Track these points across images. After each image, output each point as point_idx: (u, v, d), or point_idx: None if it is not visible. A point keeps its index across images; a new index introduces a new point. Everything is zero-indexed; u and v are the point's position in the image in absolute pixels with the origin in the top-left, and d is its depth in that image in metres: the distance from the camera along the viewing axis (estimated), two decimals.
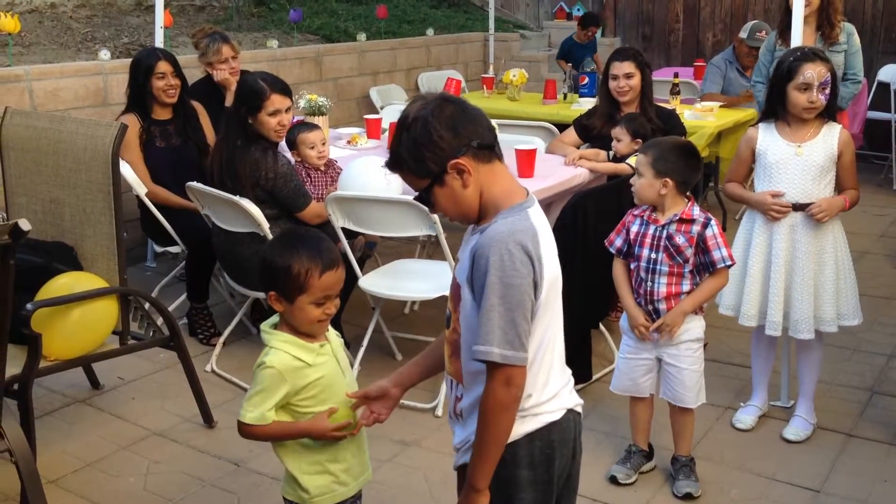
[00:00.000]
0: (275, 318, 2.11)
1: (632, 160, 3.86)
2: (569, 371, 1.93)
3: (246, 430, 2.06)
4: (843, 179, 3.22)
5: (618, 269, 3.05)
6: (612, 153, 4.20)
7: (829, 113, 3.17)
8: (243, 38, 6.91)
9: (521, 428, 1.79)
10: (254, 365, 2.07)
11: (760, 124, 3.28)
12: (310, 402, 2.06)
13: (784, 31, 5.00)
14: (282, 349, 2.03)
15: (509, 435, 1.76)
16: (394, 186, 3.60)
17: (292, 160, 3.99)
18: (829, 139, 3.15)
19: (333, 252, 2.07)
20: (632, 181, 2.97)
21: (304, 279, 1.99)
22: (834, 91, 3.14)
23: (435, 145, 1.73)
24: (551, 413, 1.83)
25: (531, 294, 1.70)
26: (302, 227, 3.61)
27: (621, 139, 4.08)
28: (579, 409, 1.93)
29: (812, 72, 3.08)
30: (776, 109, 3.21)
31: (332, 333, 2.16)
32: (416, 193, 1.83)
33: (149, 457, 3.26)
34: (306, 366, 2.04)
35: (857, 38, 5.00)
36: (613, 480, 3.05)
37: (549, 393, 1.82)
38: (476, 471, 1.77)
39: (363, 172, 3.74)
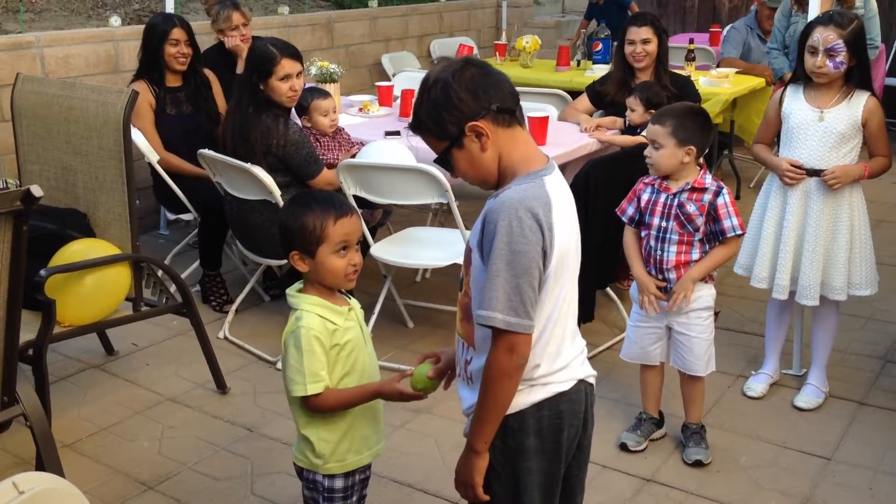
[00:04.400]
0: (299, 284, 2.12)
1: (647, 132, 3.82)
2: (582, 342, 1.92)
3: (314, 403, 2.02)
4: (872, 147, 3.20)
5: (629, 237, 3.04)
6: (626, 122, 4.17)
7: (858, 80, 3.10)
8: (254, 4, 6.87)
9: (529, 397, 1.79)
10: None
11: (789, 86, 3.25)
12: (331, 366, 2.05)
13: None
14: (313, 311, 2.03)
15: (510, 401, 1.76)
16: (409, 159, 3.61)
17: (300, 125, 3.98)
18: (854, 107, 3.10)
19: (345, 202, 2.10)
20: (647, 153, 2.91)
21: (321, 230, 2.01)
22: (861, 58, 3.07)
23: (454, 107, 1.72)
24: (560, 383, 1.82)
25: (539, 262, 1.69)
26: (315, 190, 3.61)
27: (635, 109, 4.03)
28: (592, 380, 1.92)
29: (819, 35, 3.05)
30: (801, 72, 3.18)
31: (355, 302, 2.16)
32: (436, 156, 1.82)
33: (163, 422, 3.30)
34: (337, 328, 2.05)
35: (874, 3, 4.93)
36: (624, 447, 3.07)
37: (559, 363, 1.81)
38: (476, 434, 1.78)
39: (379, 153, 3.75)
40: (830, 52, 3.03)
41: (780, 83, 5.41)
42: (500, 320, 1.68)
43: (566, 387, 1.83)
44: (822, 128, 3.13)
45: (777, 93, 3.31)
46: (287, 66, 3.68)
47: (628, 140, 4.08)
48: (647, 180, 2.98)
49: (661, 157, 2.86)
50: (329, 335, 2.03)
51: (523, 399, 1.79)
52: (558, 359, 1.81)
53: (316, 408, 2.04)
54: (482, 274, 1.72)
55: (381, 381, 2.07)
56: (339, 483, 2.13)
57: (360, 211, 3.58)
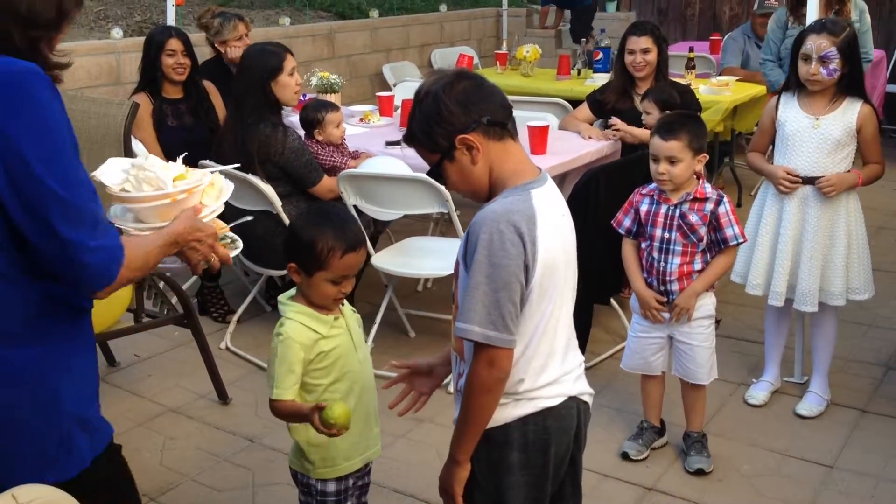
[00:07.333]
0: (292, 291, 2.15)
1: None
2: (579, 358, 1.89)
3: (272, 408, 2.08)
4: (865, 154, 3.21)
5: (627, 249, 3.03)
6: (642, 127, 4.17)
7: (851, 88, 3.12)
8: (255, 15, 6.91)
9: (515, 411, 1.78)
10: (269, 341, 2.09)
11: (783, 95, 3.26)
12: (319, 374, 2.08)
13: (795, 7, 4.93)
14: (296, 319, 2.06)
15: (491, 415, 1.75)
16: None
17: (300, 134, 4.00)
18: (849, 114, 3.12)
19: (359, 234, 2.11)
20: (662, 170, 2.83)
21: (326, 257, 2.02)
22: (853, 66, 3.09)
23: (444, 120, 1.73)
24: (548, 399, 1.80)
25: (520, 276, 1.67)
26: (333, 203, 3.63)
27: (650, 112, 4.03)
28: (587, 399, 1.89)
29: (812, 44, 3.06)
30: (795, 80, 3.19)
31: (348, 308, 2.18)
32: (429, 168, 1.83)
33: (164, 433, 3.30)
34: (320, 337, 2.07)
35: (868, 17, 4.95)
36: (625, 456, 3.06)
37: (545, 379, 1.79)
38: (456, 444, 1.79)
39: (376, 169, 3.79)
40: (824, 60, 3.05)
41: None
42: (479, 333, 1.67)
43: (554, 402, 1.80)
44: (818, 135, 3.14)
45: (771, 101, 3.33)
46: (291, 59, 3.85)
47: (641, 133, 4.08)
48: (644, 191, 2.98)
49: (681, 171, 2.82)
50: (312, 343, 2.06)
51: (508, 413, 1.77)
52: (544, 374, 1.78)
53: (274, 413, 2.08)
54: (466, 286, 1.71)
55: (310, 406, 2.03)
56: (331, 487, 2.17)
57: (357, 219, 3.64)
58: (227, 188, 1.99)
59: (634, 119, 4.29)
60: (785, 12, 5.04)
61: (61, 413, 1.62)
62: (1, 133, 1.44)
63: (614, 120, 4.22)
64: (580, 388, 1.87)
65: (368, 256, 3.71)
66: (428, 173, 1.84)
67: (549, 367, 1.79)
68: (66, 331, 1.62)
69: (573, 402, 1.84)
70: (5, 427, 1.57)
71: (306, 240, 2.04)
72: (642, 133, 4.11)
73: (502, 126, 1.76)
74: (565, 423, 1.83)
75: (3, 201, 1.48)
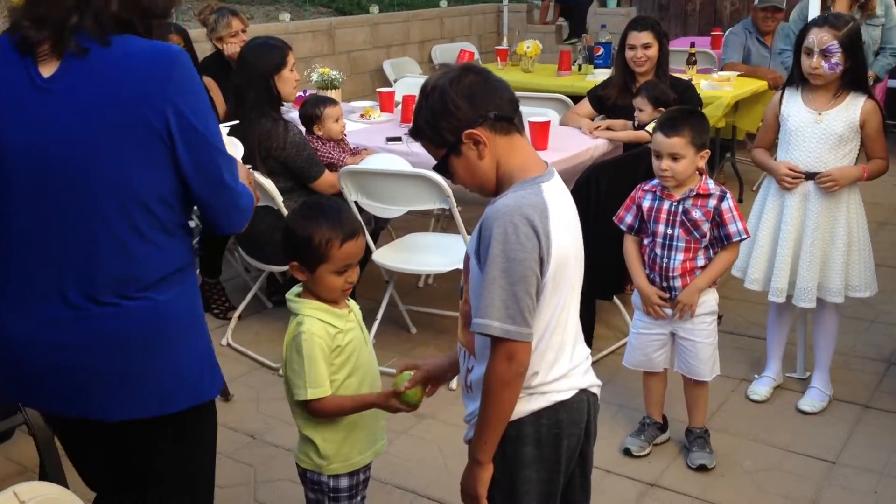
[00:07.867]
0: (298, 288, 2.13)
1: (651, 128, 3.82)
2: (586, 351, 1.89)
3: (315, 408, 2.04)
4: (870, 149, 3.20)
5: (629, 246, 3.02)
6: (635, 123, 4.16)
7: (854, 83, 3.11)
8: (255, 11, 6.89)
9: (528, 406, 1.77)
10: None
11: (787, 89, 3.25)
12: (335, 369, 2.06)
13: None
14: (314, 316, 2.04)
15: (512, 411, 1.74)
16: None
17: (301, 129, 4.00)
18: (852, 109, 3.10)
19: (354, 221, 2.10)
20: (664, 166, 2.82)
21: (325, 249, 2.01)
22: (856, 61, 3.08)
23: (451, 115, 1.71)
24: (560, 392, 1.79)
25: (536, 270, 1.67)
26: (323, 196, 3.63)
27: (643, 109, 4.02)
28: (595, 390, 1.89)
29: (814, 37, 3.06)
30: (798, 74, 3.18)
31: (353, 303, 2.17)
32: (435, 163, 1.81)
33: None
34: (338, 331, 2.06)
35: (894, 12, 4.93)
36: (627, 453, 3.06)
37: (556, 372, 1.79)
38: (478, 444, 1.76)
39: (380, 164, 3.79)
40: (826, 53, 3.04)
41: None
42: (498, 328, 1.66)
43: (566, 396, 1.80)
44: (821, 129, 3.13)
45: (775, 96, 3.31)
46: (292, 55, 3.88)
47: (632, 135, 4.08)
48: (646, 187, 2.97)
49: (683, 168, 2.80)
50: (331, 339, 2.04)
51: (521, 407, 1.76)
52: (556, 367, 1.78)
53: (316, 412, 2.05)
54: (480, 281, 1.70)
55: (378, 394, 2.06)
56: (344, 482, 2.14)
57: (358, 214, 3.63)
58: (234, 144, 2.25)
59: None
60: (808, 4, 5.03)
61: (206, 338, 1.89)
62: (174, 108, 1.66)
63: (597, 132, 4.23)
64: (589, 380, 1.87)
65: (369, 252, 3.70)
66: (434, 168, 1.82)
67: (560, 361, 1.79)
68: (192, 274, 1.89)
69: (583, 394, 1.84)
70: (170, 353, 1.79)
71: (303, 236, 2.02)
72: (627, 136, 4.12)
73: (509, 121, 1.74)
74: (576, 416, 1.83)
75: (181, 165, 1.70)
